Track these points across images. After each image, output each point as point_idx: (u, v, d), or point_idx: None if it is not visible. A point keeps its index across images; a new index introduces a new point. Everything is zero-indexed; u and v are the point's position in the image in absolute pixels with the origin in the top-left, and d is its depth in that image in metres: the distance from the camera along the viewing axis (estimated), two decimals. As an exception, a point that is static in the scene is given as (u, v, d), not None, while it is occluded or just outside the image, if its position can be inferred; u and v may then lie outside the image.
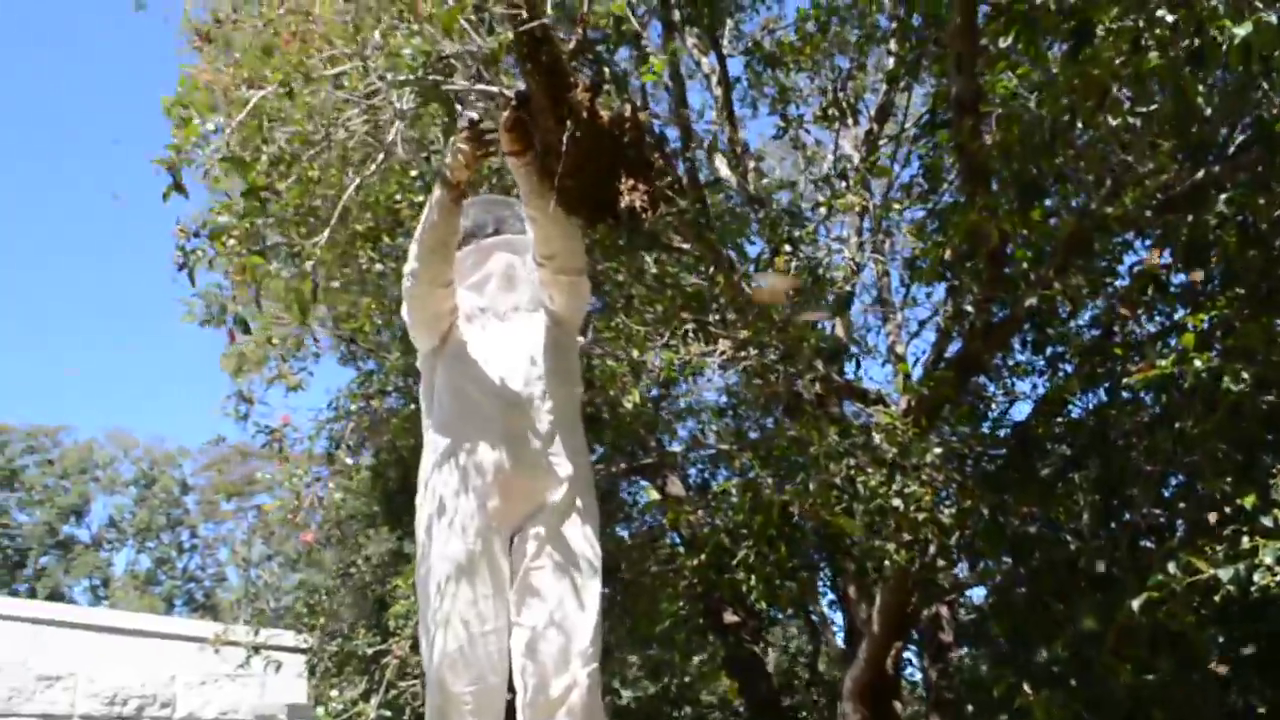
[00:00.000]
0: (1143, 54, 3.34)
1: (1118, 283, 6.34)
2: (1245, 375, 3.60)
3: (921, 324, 7.52)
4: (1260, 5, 2.99)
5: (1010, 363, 6.28)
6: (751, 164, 8.03)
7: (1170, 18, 3.27)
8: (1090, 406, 5.80)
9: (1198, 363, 3.49)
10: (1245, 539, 3.72)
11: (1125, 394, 5.93)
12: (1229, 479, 4.13)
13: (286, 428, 7.93)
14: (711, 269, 4.80)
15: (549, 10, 3.57)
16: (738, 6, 8.27)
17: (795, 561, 5.22)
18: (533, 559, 2.99)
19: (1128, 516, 4.62)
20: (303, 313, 4.93)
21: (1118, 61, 3.42)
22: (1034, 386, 6.38)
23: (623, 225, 4.23)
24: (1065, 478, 4.93)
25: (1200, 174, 5.02)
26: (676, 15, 7.30)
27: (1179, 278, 5.81)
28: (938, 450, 4.27)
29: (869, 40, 6.71)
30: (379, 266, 6.73)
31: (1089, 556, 4.55)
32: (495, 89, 4.37)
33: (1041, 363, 6.71)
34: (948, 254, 5.86)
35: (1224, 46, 3.05)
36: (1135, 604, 3.87)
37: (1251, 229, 4.93)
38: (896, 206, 6.99)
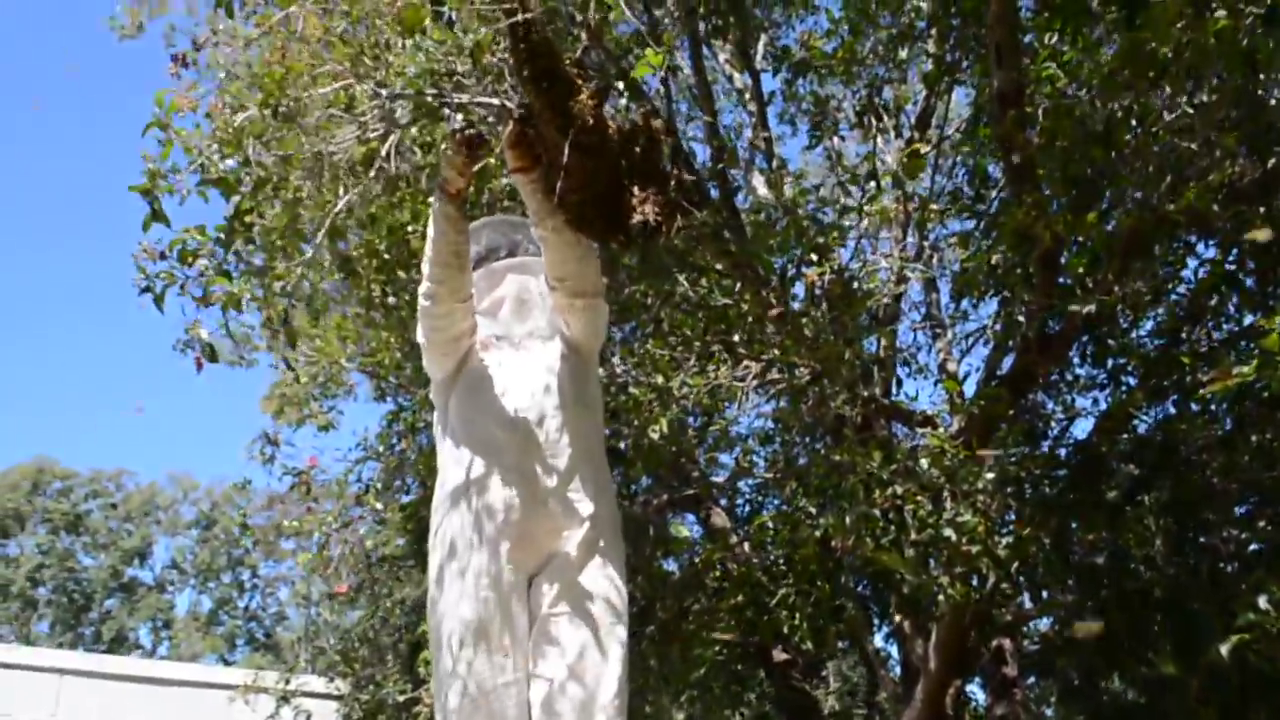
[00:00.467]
0: (1208, 19, 2.96)
1: (1182, 287, 5.90)
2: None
3: (971, 339, 7.10)
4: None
5: (1069, 377, 5.83)
6: (789, 180, 7.69)
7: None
8: (1158, 421, 5.34)
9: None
10: None
11: (1196, 406, 5.48)
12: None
13: (314, 469, 7.71)
14: (739, 285, 4.45)
15: (535, 5, 3.30)
16: (770, 21, 7.96)
17: (840, 600, 4.82)
18: (551, 605, 2.75)
19: (1204, 541, 4.16)
20: (290, 340, 4.69)
21: (1179, 27, 3.04)
22: (1095, 401, 5.92)
23: (636, 241, 3.92)
24: (1134, 500, 4.48)
25: (1271, 162, 4.59)
26: (703, 28, 7.02)
27: (1251, 280, 5.36)
28: (990, 475, 3.86)
29: (904, 40, 6.33)
30: (392, 300, 6.49)
31: (1164, 586, 4.10)
32: (498, 101, 4.11)
33: (1103, 376, 6.26)
34: (995, 262, 5.48)
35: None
36: (1224, 648, 3.40)
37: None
38: (936, 209, 6.60)
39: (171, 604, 36.71)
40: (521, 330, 3.07)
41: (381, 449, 7.58)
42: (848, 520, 4.17)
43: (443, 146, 2.92)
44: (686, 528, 5.67)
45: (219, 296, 3.61)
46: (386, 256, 6.22)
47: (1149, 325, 6.13)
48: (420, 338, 3.03)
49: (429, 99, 3.94)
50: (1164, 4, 2.96)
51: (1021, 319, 4.40)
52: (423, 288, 2.95)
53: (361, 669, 7.83)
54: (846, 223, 4.24)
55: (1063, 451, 5.22)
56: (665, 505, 8.17)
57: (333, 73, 3.73)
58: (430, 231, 2.92)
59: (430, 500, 3.03)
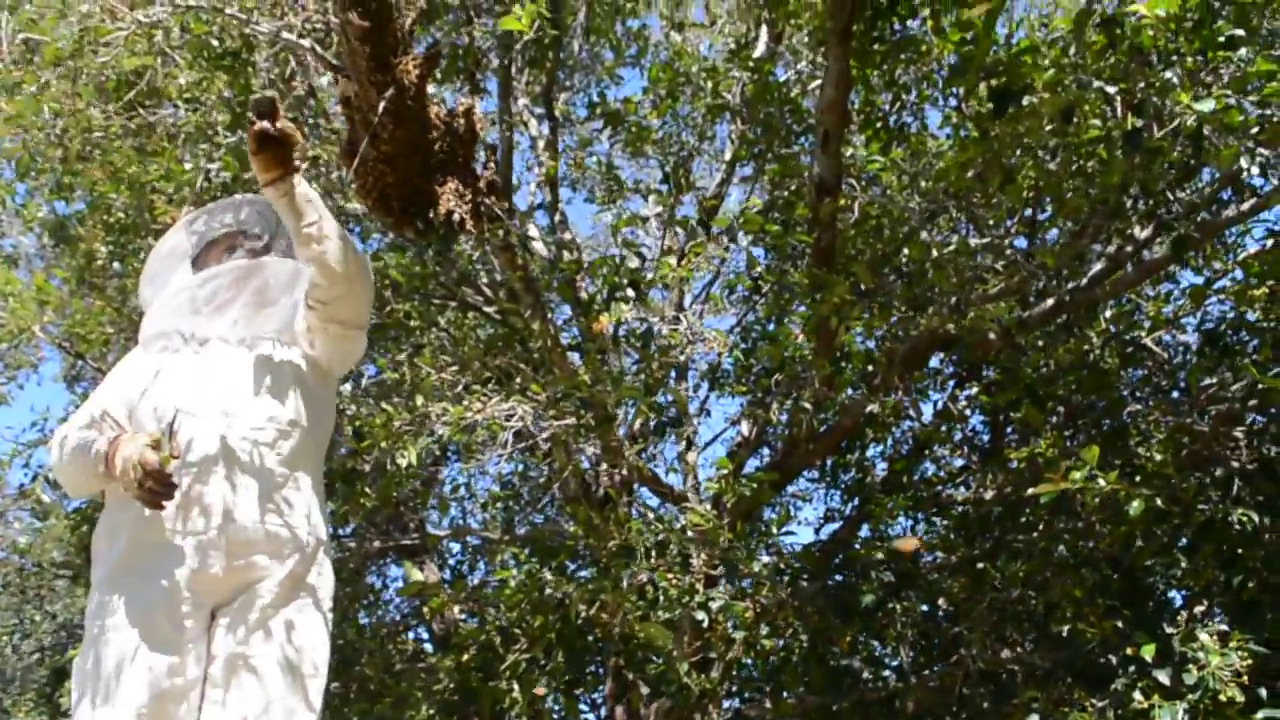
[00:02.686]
0: (1079, 125, 2.95)
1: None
2: (1136, 498, 3.17)
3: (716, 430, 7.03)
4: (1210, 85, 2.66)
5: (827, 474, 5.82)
6: (568, 235, 7.45)
7: (1111, 89, 2.89)
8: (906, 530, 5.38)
9: (1100, 481, 3.04)
10: (1138, 695, 3.22)
11: (943, 523, 5.58)
12: (1115, 621, 3.68)
13: (-28, 447, 6.56)
14: (528, 312, 4.08)
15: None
16: (574, 83, 7.83)
17: (572, 672, 4.43)
18: (237, 648, 2.24)
19: (956, 656, 4.12)
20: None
21: (1047, 129, 3.01)
22: (846, 503, 5.93)
23: (436, 234, 3.50)
24: (886, 608, 4.41)
25: (1049, 303, 4.76)
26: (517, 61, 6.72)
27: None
28: (765, 560, 3.63)
29: (717, 114, 6.29)
30: (117, 265, 5.69)
31: (913, 698, 4.01)
32: (307, 42, 3.60)
33: (849, 479, 6.31)
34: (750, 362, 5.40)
35: (1169, 126, 2.70)
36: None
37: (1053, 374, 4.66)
38: (715, 294, 6.54)
39: None
40: (245, 332, 2.55)
41: (64, 436, 6.54)
42: (602, 591, 3.82)
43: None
44: (420, 572, 5.12)
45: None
46: (121, 215, 5.43)
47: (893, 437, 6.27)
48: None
49: (231, 17, 3.40)
50: (1041, 103, 2.93)
51: (807, 405, 4.26)
52: (59, 439, 2.43)
53: (-19, 692, 6.61)
54: (663, 270, 3.97)
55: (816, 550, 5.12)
56: (376, 552, 7.56)
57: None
58: (80, 460, 2.36)
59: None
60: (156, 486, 2.15)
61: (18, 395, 6.74)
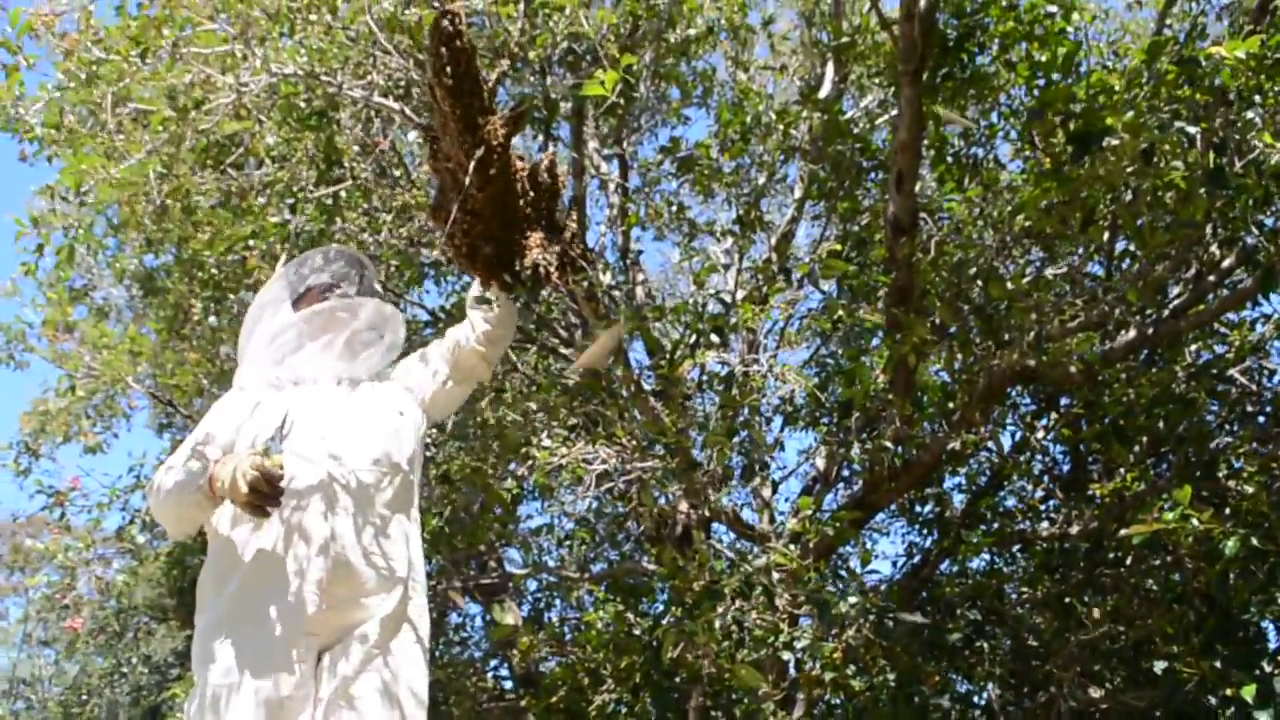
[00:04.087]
0: (1161, 168, 2.96)
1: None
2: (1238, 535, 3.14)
3: (792, 467, 7.04)
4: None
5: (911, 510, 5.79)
6: (640, 278, 7.54)
7: (1192, 130, 2.91)
8: (987, 570, 5.34)
9: (1195, 521, 3.02)
10: None
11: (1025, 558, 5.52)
12: (1213, 660, 3.63)
13: (74, 492, 6.79)
14: (610, 359, 4.16)
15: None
16: (648, 105, 7.91)
17: (658, 714, 4.47)
18: (346, 685, 2.31)
19: (1044, 694, 4.09)
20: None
21: (1128, 171, 3.03)
22: (924, 536, 5.90)
23: (524, 285, 3.59)
24: (972, 645, 4.40)
25: (1132, 334, 4.72)
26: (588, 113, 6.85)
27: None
28: (852, 600, 3.65)
29: (789, 155, 6.34)
30: (213, 320, 5.88)
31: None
32: (398, 105, 3.72)
33: (929, 513, 6.27)
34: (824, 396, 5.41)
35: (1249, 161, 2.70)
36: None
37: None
38: (792, 333, 6.58)
39: None
40: (345, 371, 2.70)
41: (159, 481, 6.74)
42: (690, 631, 3.86)
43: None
44: (508, 614, 5.21)
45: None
46: (215, 271, 5.63)
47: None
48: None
49: (319, 80, 3.53)
50: (1121, 145, 2.95)
51: (889, 444, 4.27)
52: (159, 479, 2.52)
53: (85, 731, 6.80)
54: (744, 315, 4.03)
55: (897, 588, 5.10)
56: (459, 591, 7.65)
57: (217, 33, 3.29)
58: (180, 495, 2.46)
59: (204, 545, 2.55)
60: (266, 488, 2.22)
61: (112, 443, 6.95)
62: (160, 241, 5.86)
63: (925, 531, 6.25)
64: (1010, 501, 6.09)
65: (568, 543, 8.11)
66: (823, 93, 6.25)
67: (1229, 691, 3.40)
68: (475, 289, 3.12)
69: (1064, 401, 5.45)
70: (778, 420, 6.58)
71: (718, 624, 3.98)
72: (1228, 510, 3.72)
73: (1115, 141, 2.98)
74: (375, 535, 2.44)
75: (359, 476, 2.47)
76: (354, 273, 2.95)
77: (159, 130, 3.79)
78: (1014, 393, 6.03)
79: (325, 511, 2.39)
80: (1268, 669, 3.38)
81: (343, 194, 5.15)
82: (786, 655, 4.22)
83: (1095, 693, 4.22)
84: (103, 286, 7.53)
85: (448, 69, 3.24)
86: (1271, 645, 4.15)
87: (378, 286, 3.18)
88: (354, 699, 2.30)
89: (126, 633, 7.06)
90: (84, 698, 7.09)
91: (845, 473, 6.36)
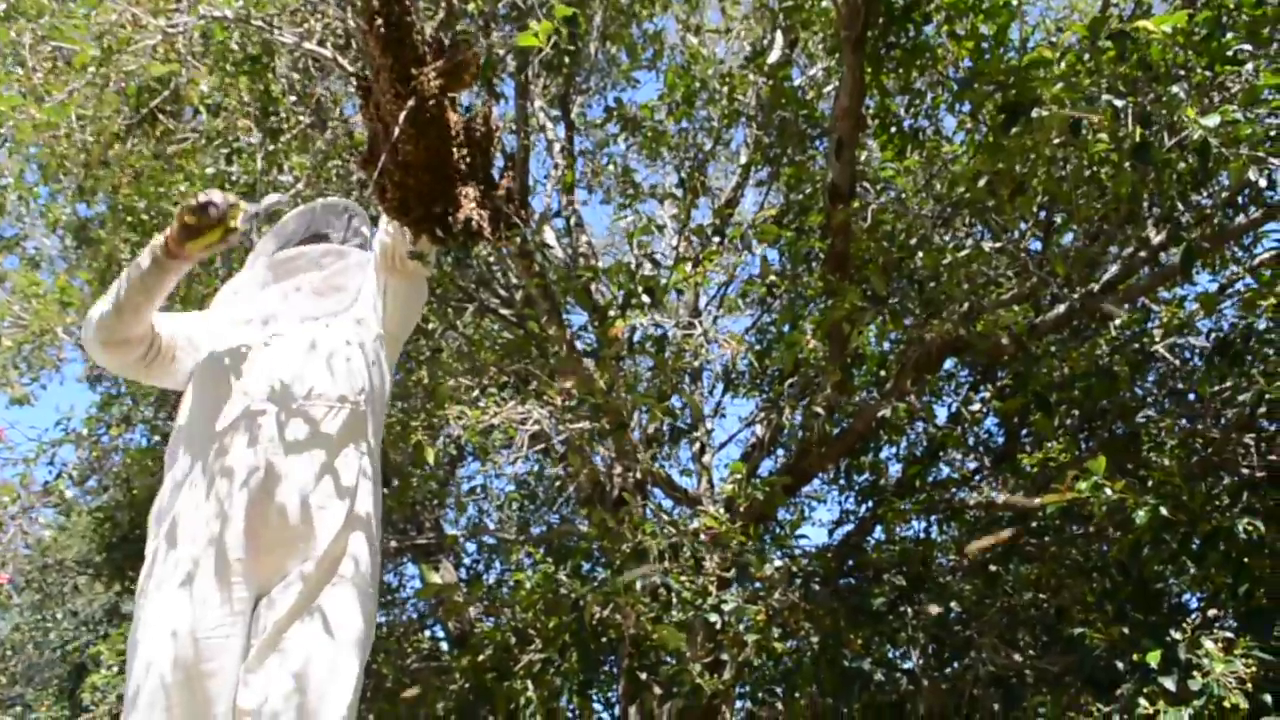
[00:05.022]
0: (1087, 139, 2.98)
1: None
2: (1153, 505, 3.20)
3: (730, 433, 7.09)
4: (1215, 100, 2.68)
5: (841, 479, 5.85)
6: (584, 239, 7.50)
7: (1119, 103, 2.92)
8: (917, 538, 5.41)
9: (1108, 491, 3.07)
10: (1143, 701, 3.25)
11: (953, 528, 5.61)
12: (1123, 627, 3.71)
13: (0, 445, 6.65)
14: (544, 318, 4.13)
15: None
16: (596, 67, 7.84)
17: (585, 674, 4.49)
18: (279, 629, 2.26)
19: (967, 660, 4.15)
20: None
21: (1055, 143, 3.05)
22: (860, 505, 5.96)
23: (456, 240, 3.56)
24: (897, 610, 4.45)
25: (1061, 308, 4.78)
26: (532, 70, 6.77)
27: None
28: (777, 564, 3.67)
29: (733, 120, 6.32)
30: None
31: (924, 702, 4.04)
32: (328, 52, 3.64)
33: (864, 481, 6.35)
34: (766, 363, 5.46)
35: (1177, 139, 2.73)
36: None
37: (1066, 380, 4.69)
38: (731, 296, 6.61)
39: None
40: (314, 309, 2.68)
41: (86, 433, 6.62)
42: (613, 590, 3.87)
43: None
44: (437, 573, 5.18)
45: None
46: (145, 217, 5.50)
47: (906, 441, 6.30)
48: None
49: (251, 25, 3.45)
50: (1050, 116, 2.97)
51: (820, 410, 4.30)
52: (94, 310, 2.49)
53: (9, 686, 6.69)
54: (678, 276, 4.01)
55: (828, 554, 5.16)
56: (392, 551, 7.61)
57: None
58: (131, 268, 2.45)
59: (132, 502, 2.52)
60: (206, 205, 2.30)
61: (41, 395, 6.82)
62: (93, 191, 5.74)
63: (859, 500, 6.33)
64: (944, 472, 6.17)
65: (509, 506, 8.12)
66: (771, 58, 6.23)
67: (1136, 657, 3.48)
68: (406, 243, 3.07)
69: (1000, 375, 5.52)
70: (720, 387, 6.64)
71: (639, 584, 3.98)
72: (1146, 484, 3.79)
73: (1045, 113, 2.99)
74: (318, 473, 2.39)
75: (307, 412, 2.43)
76: (338, 220, 2.93)
77: (82, 71, 3.68)
78: (952, 365, 6.11)
79: (258, 450, 2.35)
80: (1178, 636, 3.46)
81: (280, 143, 5.05)
82: (714, 618, 4.24)
83: (1015, 658, 4.30)
84: (35, 236, 7.36)
85: (379, 16, 3.18)
86: (1188, 610, 4.26)
87: (366, 231, 3.14)
88: (283, 641, 2.25)
89: (51, 588, 6.96)
90: (9, 653, 6.98)
91: (783, 439, 6.41)
